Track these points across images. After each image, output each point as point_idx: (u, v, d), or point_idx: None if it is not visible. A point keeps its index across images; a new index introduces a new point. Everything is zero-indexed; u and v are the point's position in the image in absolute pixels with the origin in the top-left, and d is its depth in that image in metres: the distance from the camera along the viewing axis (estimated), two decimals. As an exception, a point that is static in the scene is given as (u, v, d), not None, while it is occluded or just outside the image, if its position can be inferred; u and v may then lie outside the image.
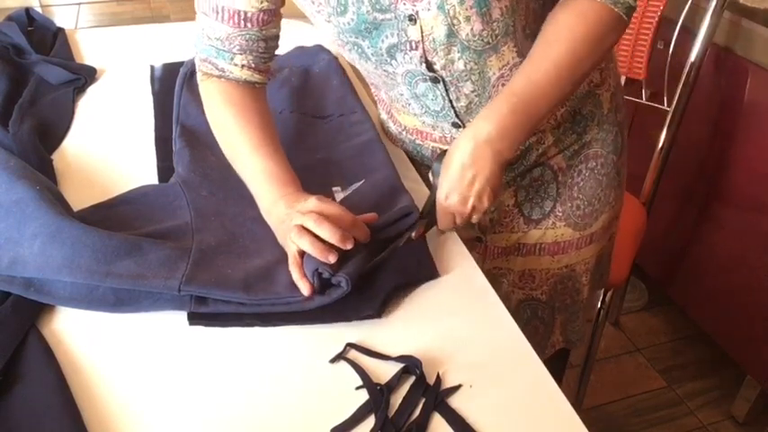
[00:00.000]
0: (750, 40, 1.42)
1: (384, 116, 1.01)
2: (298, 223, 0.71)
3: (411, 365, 0.65)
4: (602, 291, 1.41)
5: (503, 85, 0.81)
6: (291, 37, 1.32)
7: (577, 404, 1.55)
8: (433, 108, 0.86)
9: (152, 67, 1.20)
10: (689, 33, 1.43)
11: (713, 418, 1.67)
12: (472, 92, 0.82)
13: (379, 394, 0.62)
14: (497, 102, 0.74)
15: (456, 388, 0.64)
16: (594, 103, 0.90)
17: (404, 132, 0.97)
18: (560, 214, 0.95)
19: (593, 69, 0.79)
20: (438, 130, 0.91)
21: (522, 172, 0.93)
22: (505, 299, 0.76)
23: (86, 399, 0.61)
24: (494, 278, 1.00)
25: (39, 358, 0.64)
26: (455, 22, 0.74)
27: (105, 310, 0.71)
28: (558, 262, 0.99)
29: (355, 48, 0.79)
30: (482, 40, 0.76)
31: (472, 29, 0.75)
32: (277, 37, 0.85)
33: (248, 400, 0.63)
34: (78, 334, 0.68)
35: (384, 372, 0.65)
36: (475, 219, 0.78)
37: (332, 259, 0.69)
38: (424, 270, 0.77)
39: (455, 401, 0.62)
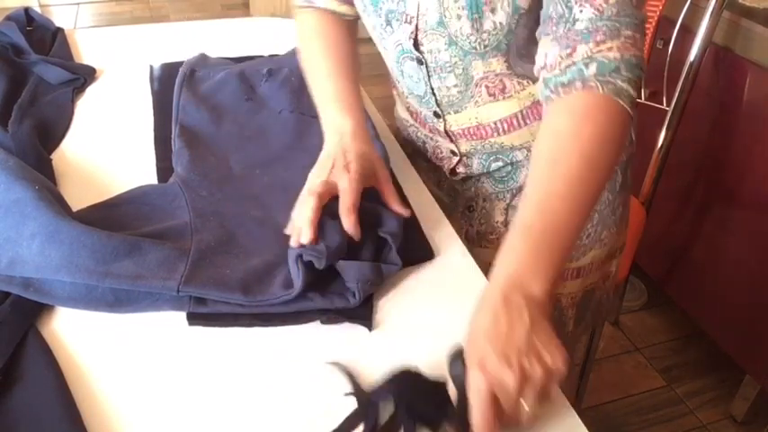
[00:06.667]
0: (749, 40, 1.42)
1: (397, 102, 1.02)
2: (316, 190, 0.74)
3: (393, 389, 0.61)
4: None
5: (486, 86, 0.81)
6: (291, 37, 1.32)
7: (577, 404, 1.55)
8: (417, 92, 0.87)
9: (151, 67, 1.20)
10: (688, 32, 1.43)
11: (712, 417, 1.67)
12: (454, 86, 0.82)
13: (367, 403, 0.61)
14: (511, 241, 0.62)
15: None
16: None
17: (406, 115, 0.98)
18: None
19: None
20: (422, 115, 0.91)
21: (514, 192, 0.92)
22: None
23: (86, 399, 0.61)
24: None
25: (38, 358, 0.64)
26: (447, 14, 0.75)
27: (104, 310, 0.71)
28: None
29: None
30: (470, 43, 0.76)
31: (461, 28, 0.75)
32: None
33: (247, 401, 0.63)
34: (78, 334, 0.68)
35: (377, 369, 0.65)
36: (530, 401, 0.53)
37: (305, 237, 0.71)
38: (419, 250, 0.78)
39: (455, 401, 0.62)
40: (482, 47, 0.76)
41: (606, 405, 1.69)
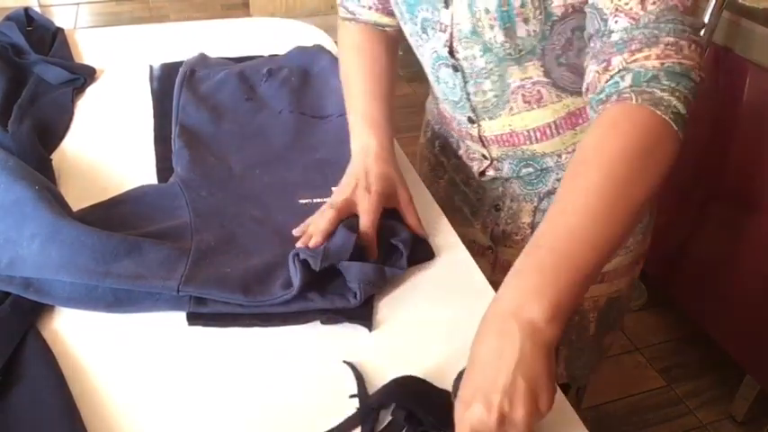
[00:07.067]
0: (749, 40, 1.42)
1: (430, 96, 1.03)
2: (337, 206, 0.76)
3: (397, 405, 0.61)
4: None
5: (522, 94, 0.81)
6: (291, 37, 1.32)
7: (577, 404, 1.55)
8: (452, 97, 0.87)
9: (151, 67, 1.20)
10: (688, 33, 1.43)
11: (712, 417, 1.67)
12: (490, 90, 0.82)
13: (368, 408, 0.61)
14: (519, 261, 0.56)
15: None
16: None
17: (439, 115, 0.99)
18: None
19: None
20: (455, 121, 0.91)
21: (542, 196, 0.92)
22: None
23: (86, 399, 0.61)
24: None
25: (38, 358, 0.64)
26: (479, 24, 0.74)
27: (104, 311, 0.71)
28: None
29: (397, 6, 0.82)
30: (504, 50, 0.75)
31: (495, 36, 0.74)
32: None
33: (247, 401, 0.63)
34: (78, 334, 0.68)
35: (384, 373, 0.65)
36: None
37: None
38: (420, 250, 0.78)
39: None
40: (517, 52, 0.75)
41: (606, 405, 1.69)
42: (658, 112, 0.57)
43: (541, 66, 0.77)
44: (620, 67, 0.60)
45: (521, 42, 0.73)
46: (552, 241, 0.55)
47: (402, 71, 0.96)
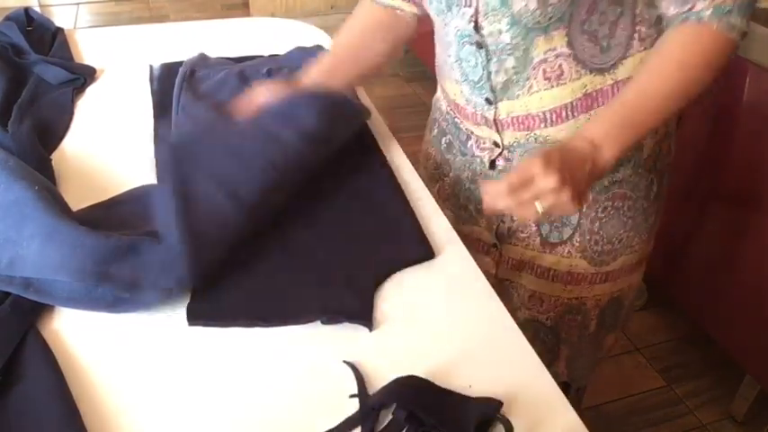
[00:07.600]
0: (749, 40, 1.41)
1: (438, 92, 1.03)
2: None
3: (398, 407, 0.61)
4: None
5: (544, 70, 0.82)
6: (291, 37, 1.32)
7: (577, 404, 1.55)
8: (472, 77, 0.87)
9: (151, 67, 1.20)
10: (688, 33, 1.43)
11: (712, 417, 1.67)
12: (512, 68, 0.83)
13: (368, 408, 0.61)
14: (607, 111, 0.78)
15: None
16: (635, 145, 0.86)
17: (448, 107, 0.99)
18: (577, 244, 0.94)
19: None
20: (471, 105, 0.91)
21: None
22: (511, 313, 0.75)
23: (86, 399, 0.61)
24: (504, 290, 1.00)
25: (38, 358, 0.64)
26: None
27: (104, 311, 0.71)
28: (569, 292, 0.98)
29: None
30: (533, 18, 0.77)
31: (527, 4, 0.75)
32: None
33: (247, 401, 0.63)
34: (78, 334, 0.68)
35: (384, 373, 0.65)
36: (544, 204, 0.70)
37: None
38: (420, 250, 0.78)
39: (455, 401, 0.62)
40: (546, 19, 0.77)
41: (606, 405, 1.69)
42: (731, 36, 0.74)
43: (566, 35, 0.78)
44: (704, 7, 0.75)
45: (552, 9, 0.76)
46: (633, 106, 0.77)
47: (402, 71, 0.96)
